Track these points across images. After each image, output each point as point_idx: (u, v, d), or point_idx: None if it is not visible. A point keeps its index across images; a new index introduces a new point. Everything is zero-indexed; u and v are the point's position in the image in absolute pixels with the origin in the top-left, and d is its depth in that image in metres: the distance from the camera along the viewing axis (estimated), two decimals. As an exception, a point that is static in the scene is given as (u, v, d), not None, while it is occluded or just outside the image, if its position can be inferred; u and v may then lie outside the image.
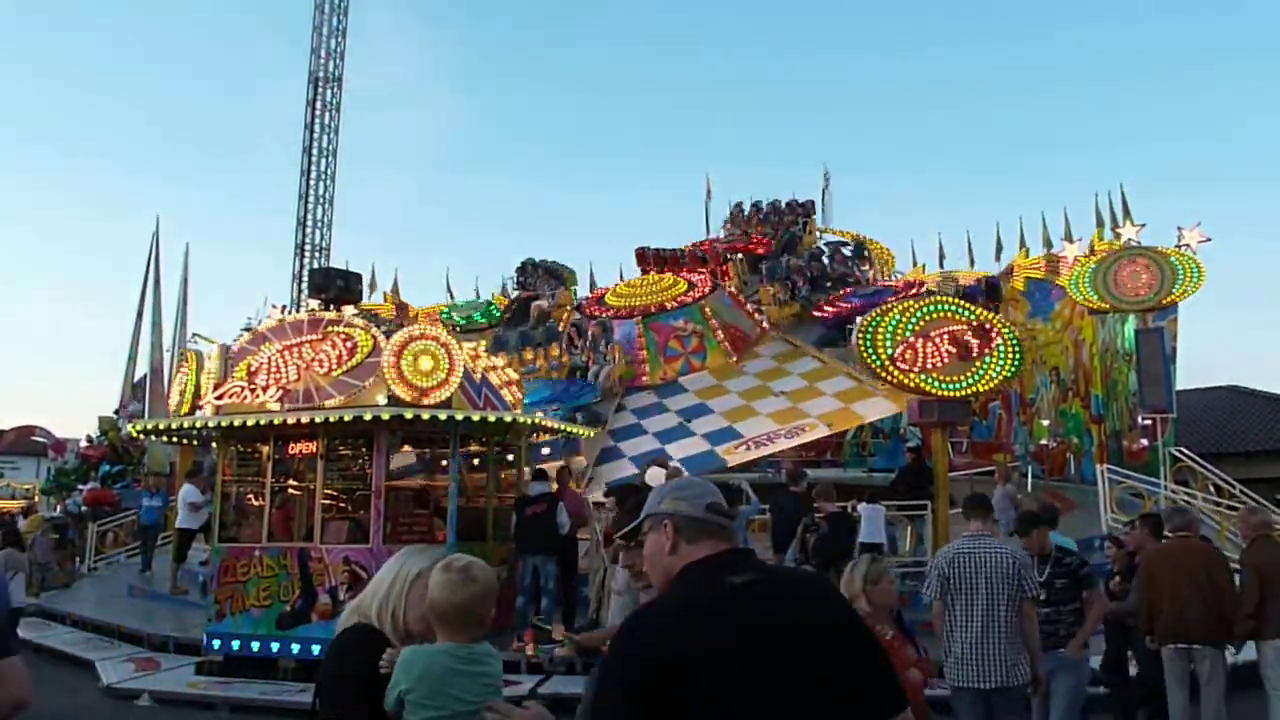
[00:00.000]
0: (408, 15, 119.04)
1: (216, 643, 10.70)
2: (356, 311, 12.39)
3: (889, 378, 12.75)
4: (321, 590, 10.24)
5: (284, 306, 26.26)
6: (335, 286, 11.70)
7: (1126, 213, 17.68)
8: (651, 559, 2.19)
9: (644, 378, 18.80)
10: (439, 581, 2.61)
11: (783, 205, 24.75)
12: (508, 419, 11.57)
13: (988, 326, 12.68)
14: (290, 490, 11.60)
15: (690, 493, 2.19)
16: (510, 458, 12.75)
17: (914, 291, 18.32)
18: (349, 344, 10.67)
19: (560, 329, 19.96)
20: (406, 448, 12.75)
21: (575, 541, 11.65)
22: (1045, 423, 20.15)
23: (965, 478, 16.24)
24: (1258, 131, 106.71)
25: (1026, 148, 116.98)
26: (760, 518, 12.22)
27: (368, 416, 10.06)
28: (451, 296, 26.75)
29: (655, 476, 10.30)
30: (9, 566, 11.10)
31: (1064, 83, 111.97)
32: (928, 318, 12.72)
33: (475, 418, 10.73)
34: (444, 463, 11.63)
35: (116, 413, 26.94)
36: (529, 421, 12.25)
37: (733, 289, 21.24)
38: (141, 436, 15.55)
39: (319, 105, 35.36)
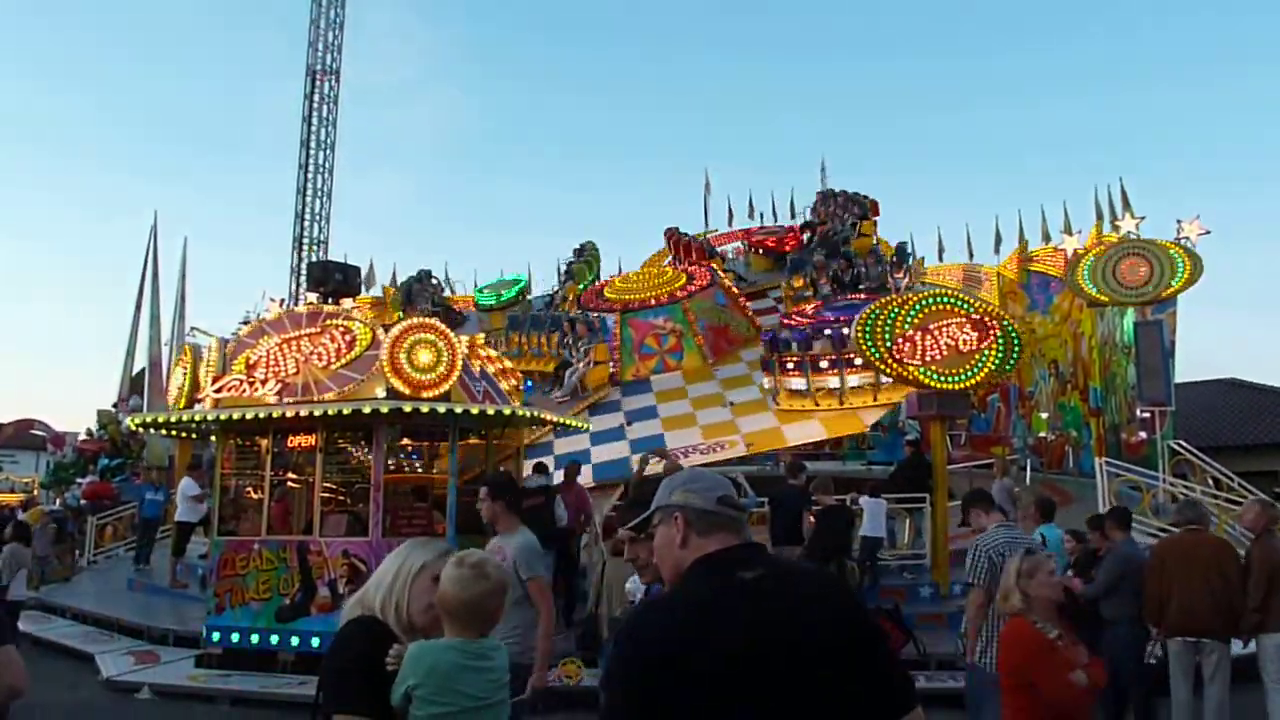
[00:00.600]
0: (406, 13, 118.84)
1: (216, 636, 10.70)
2: (362, 304, 12.39)
3: (888, 370, 12.76)
4: (321, 583, 10.25)
5: (282, 300, 26.27)
6: (334, 280, 11.70)
7: (1126, 206, 17.65)
8: (661, 552, 2.16)
9: (614, 374, 18.83)
10: (451, 576, 2.61)
11: (850, 196, 23.92)
12: (507, 412, 11.56)
13: (986, 320, 12.71)
14: (289, 484, 11.60)
15: (702, 485, 2.16)
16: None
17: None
18: (348, 337, 10.66)
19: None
20: (406, 440, 12.75)
21: (574, 535, 11.67)
22: (1044, 416, 20.18)
23: (964, 471, 16.26)
24: (1257, 129, 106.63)
25: (1025, 145, 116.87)
26: (759, 510, 12.24)
27: (367, 410, 10.05)
28: (451, 292, 26.77)
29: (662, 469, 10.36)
30: (14, 561, 11.12)
31: (1063, 81, 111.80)
32: (926, 310, 12.74)
33: (474, 411, 10.72)
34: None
35: (115, 406, 26.95)
36: (528, 415, 12.24)
37: (734, 286, 21.17)
38: (141, 430, 15.54)
39: (317, 98, 35.34)
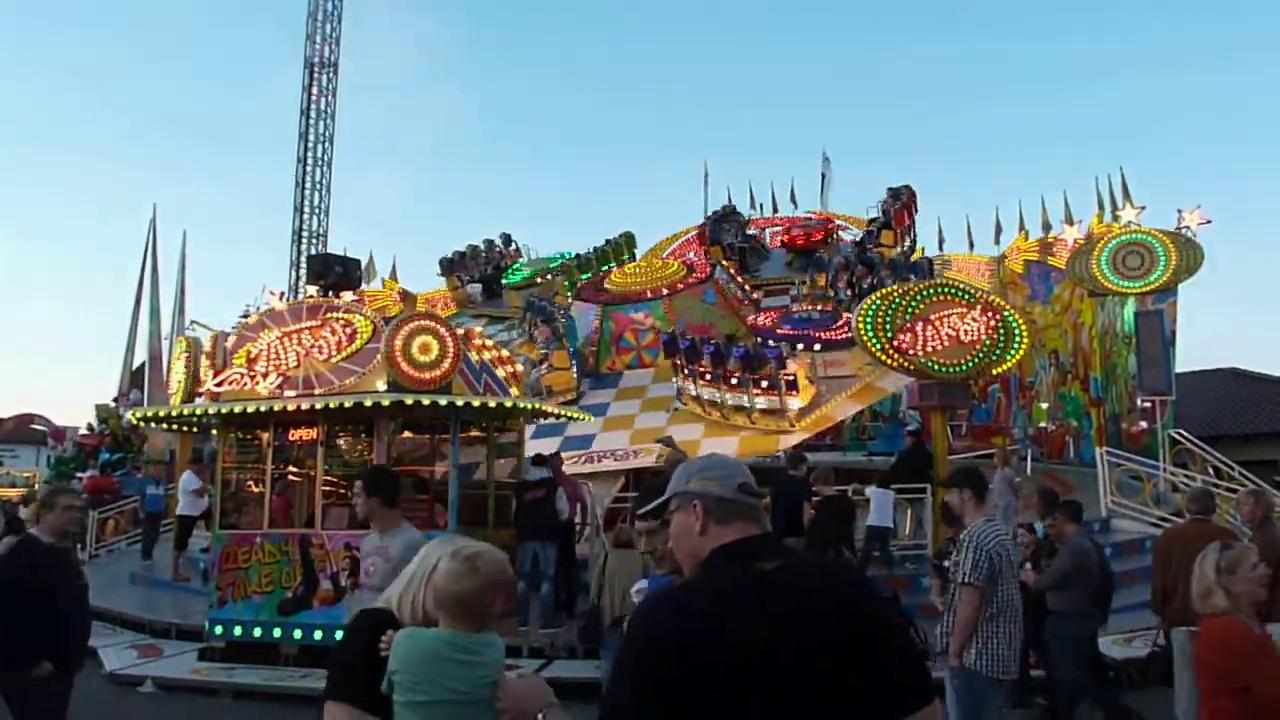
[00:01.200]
0: (404, 8, 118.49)
1: (219, 629, 10.72)
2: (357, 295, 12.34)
3: (890, 361, 12.77)
4: (323, 576, 10.26)
5: (282, 293, 26.24)
6: (334, 273, 11.67)
7: (1127, 195, 17.64)
8: (678, 539, 2.12)
9: (589, 366, 18.72)
10: (444, 569, 2.61)
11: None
12: (508, 404, 11.57)
13: (988, 310, 12.72)
14: (290, 477, 11.60)
15: (721, 472, 2.11)
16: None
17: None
18: (348, 330, 10.66)
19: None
20: (406, 433, 12.75)
21: (573, 527, 11.67)
22: (1044, 406, 20.18)
23: (965, 461, 16.28)
24: (1260, 119, 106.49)
25: (1025, 136, 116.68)
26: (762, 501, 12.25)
27: (368, 403, 10.05)
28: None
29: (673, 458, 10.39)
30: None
31: (1062, 74, 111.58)
32: (927, 301, 12.74)
33: (475, 403, 10.72)
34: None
35: (115, 401, 26.94)
36: (528, 407, 12.25)
37: (741, 279, 20.97)
38: (142, 424, 15.55)
39: (315, 91, 35.24)
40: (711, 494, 2.06)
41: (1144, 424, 16.43)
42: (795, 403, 14.40)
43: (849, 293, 17.71)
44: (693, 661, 1.78)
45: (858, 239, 21.88)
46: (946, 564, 5.79)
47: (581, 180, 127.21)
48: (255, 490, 11.63)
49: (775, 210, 27.56)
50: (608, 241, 24.50)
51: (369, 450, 10.77)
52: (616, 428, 15.78)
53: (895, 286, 13.83)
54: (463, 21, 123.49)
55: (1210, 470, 14.94)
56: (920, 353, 12.45)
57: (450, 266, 24.42)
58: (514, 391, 12.30)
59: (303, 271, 31.68)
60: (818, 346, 15.55)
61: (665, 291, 19.30)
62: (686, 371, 15.60)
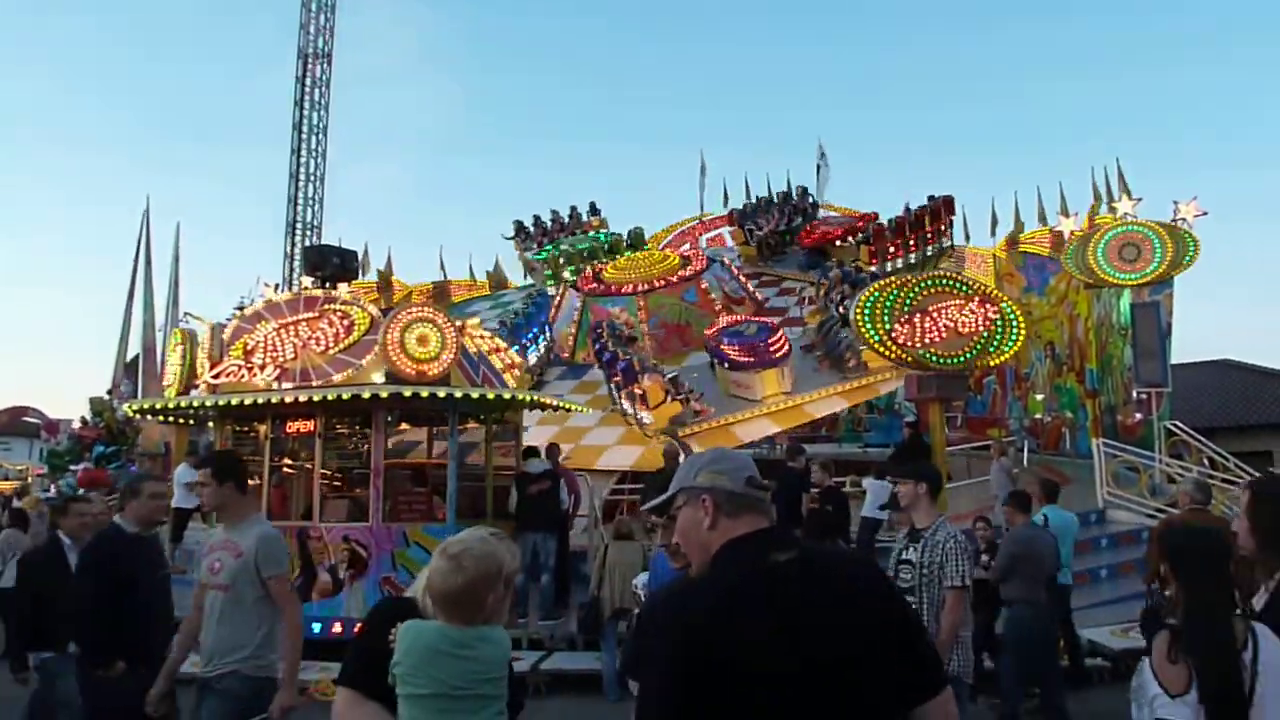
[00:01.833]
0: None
1: (216, 621, 10.67)
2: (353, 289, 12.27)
3: (887, 353, 12.78)
4: (321, 568, 10.23)
5: (277, 285, 26.15)
6: (331, 265, 11.65)
7: (1124, 187, 17.63)
8: (686, 534, 2.11)
9: (564, 354, 18.65)
10: (435, 565, 2.64)
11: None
12: (507, 396, 11.53)
13: (986, 301, 12.74)
14: (286, 469, 11.56)
15: (728, 465, 2.11)
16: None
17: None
18: (346, 322, 10.62)
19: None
20: (404, 425, 12.73)
21: (568, 518, 11.67)
22: (1040, 397, 20.20)
23: (961, 453, 16.30)
24: (1255, 109, 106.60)
25: (1023, 127, 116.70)
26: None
27: (366, 395, 10.01)
28: (445, 277, 26.66)
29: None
30: (10, 548, 11.07)
31: (1061, 67, 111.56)
32: (925, 293, 12.75)
33: (474, 395, 10.69)
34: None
35: (109, 393, 26.83)
36: (527, 399, 12.22)
37: (740, 273, 20.81)
38: (137, 417, 15.47)
39: (309, 82, 35.07)
40: (721, 488, 2.06)
41: (1139, 415, 16.45)
42: (647, 417, 14.06)
43: (839, 310, 16.49)
44: (708, 654, 1.78)
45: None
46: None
47: (576, 172, 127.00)
48: (252, 483, 11.58)
49: (772, 202, 27.41)
50: (628, 233, 24.51)
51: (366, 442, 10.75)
52: (552, 422, 15.41)
53: (894, 278, 13.84)
54: (457, 11, 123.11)
55: (1205, 461, 14.97)
56: (918, 344, 12.46)
57: (522, 232, 24.49)
58: (510, 381, 12.27)
59: (297, 263, 31.57)
60: (726, 365, 14.87)
61: (644, 287, 19.19)
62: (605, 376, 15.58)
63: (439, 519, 10.57)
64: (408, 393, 10.09)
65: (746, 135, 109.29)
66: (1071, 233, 17.65)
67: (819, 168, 27.73)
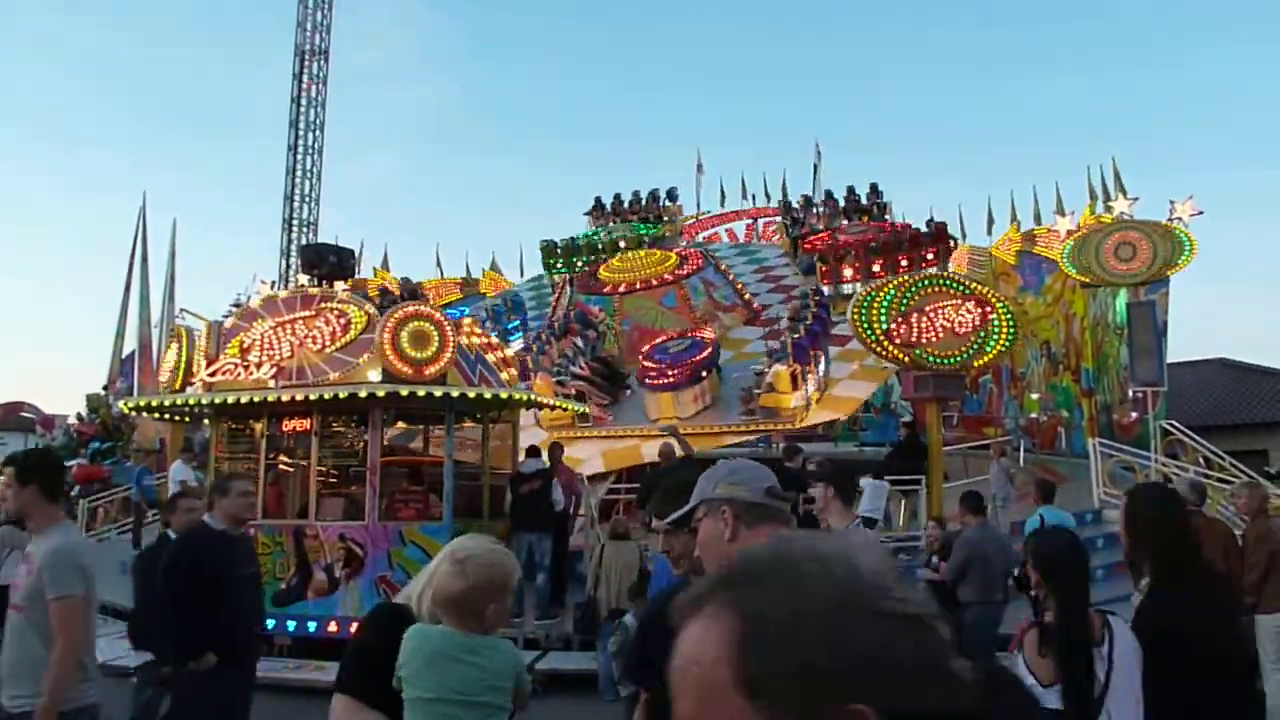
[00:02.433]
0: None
1: (212, 620, 10.65)
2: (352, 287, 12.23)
3: (883, 353, 12.78)
4: (317, 567, 10.23)
5: (273, 282, 26.12)
6: (328, 263, 11.62)
7: (1120, 186, 17.65)
8: (707, 546, 2.11)
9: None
10: (442, 570, 2.65)
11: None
12: (504, 395, 11.51)
13: (983, 301, 12.74)
14: (282, 467, 11.54)
15: (746, 476, 2.12)
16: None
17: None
18: (342, 320, 10.59)
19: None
20: (400, 424, 12.70)
21: (567, 518, 11.65)
22: (1035, 396, 20.22)
23: (957, 452, 16.30)
24: (1251, 107, 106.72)
25: (1019, 125, 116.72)
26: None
27: (363, 394, 9.99)
28: (441, 274, 26.64)
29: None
30: (7, 544, 11.03)
31: (1059, 66, 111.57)
32: (922, 293, 12.74)
33: (470, 394, 10.67)
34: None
35: (105, 389, 26.78)
36: (524, 398, 12.20)
37: (733, 276, 20.72)
38: (133, 413, 15.46)
39: (305, 79, 34.97)
40: (740, 499, 2.07)
41: (1135, 414, 16.48)
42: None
43: (793, 321, 15.92)
44: None
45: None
46: None
47: (572, 168, 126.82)
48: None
49: (769, 200, 27.43)
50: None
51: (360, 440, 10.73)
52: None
53: (891, 279, 13.83)
54: (456, 10, 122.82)
55: (1201, 460, 14.99)
56: (915, 343, 12.46)
57: (599, 208, 24.66)
58: (505, 378, 12.26)
59: (294, 259, 31.51)
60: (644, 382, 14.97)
61: (623, 289, 19.12)
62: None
63: (435, 517, 10.55)
64: (405, 392, 10.07)
65: (744, 132, 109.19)
66: (1068, 231, 17.67)
67: (815, 166, 27.77)
